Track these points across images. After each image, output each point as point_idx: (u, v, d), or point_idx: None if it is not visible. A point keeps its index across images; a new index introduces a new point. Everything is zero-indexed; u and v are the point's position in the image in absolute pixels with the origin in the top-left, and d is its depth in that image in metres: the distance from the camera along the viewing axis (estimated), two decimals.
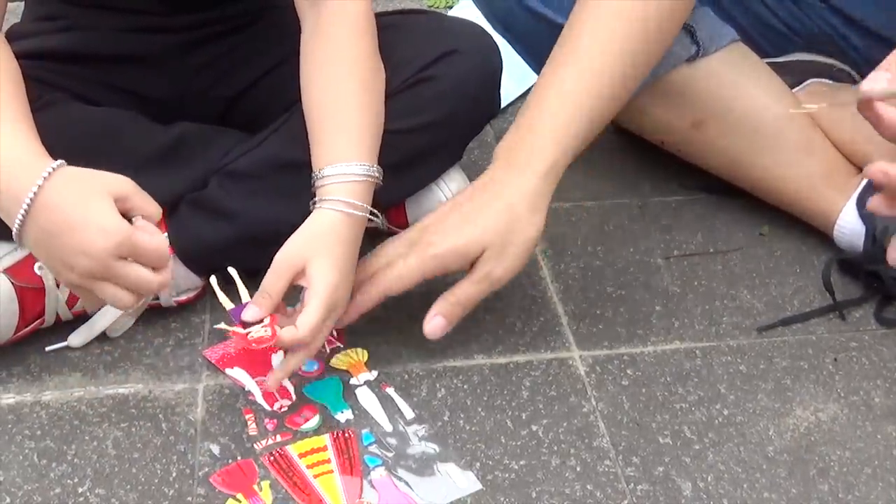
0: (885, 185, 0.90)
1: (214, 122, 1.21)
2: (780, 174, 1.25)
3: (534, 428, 1.02)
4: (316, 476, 0.96)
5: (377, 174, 1.04)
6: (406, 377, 1.07)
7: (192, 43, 1.18)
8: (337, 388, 1.05)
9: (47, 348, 1.10)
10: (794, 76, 1.34)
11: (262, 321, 0.96)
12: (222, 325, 0.98)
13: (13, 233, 0.92)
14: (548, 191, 1.06)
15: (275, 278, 0.98)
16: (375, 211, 1.04)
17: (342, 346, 1.10)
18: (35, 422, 1.02)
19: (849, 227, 1.21)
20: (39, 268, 1.07)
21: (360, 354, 1.09)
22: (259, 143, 1.14)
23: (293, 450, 0.99)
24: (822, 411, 1.05)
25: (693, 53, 1.23)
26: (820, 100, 1.29)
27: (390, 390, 1.05)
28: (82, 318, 1.11)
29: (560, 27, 1.24)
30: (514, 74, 1.47)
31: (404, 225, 1.23)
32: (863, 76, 1.34)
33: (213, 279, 1.02)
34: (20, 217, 0.90)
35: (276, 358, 1.06)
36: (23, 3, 1.23)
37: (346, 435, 1.00)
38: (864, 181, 1.21)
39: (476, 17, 1.33)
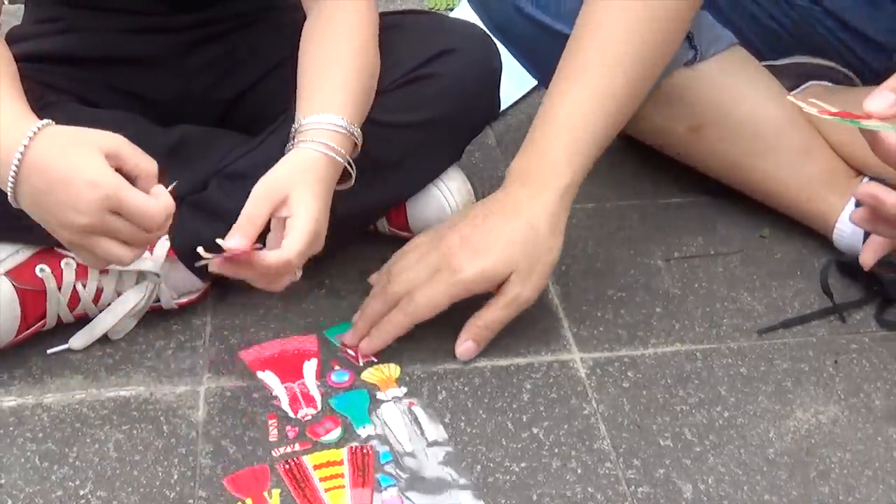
0: (873, 209, 0.91)
1: (214, 124, 1.22)
2: (780, 177, 1.26)
3: (534, 430, 1.02)
4: (327, 490, 0.95)
5: (358, 136, 1.04)
6: (407, 380, 1.08)
7: (192, 44, 1.18)
8: (363, 402, 1.04)
9: (49, 351, 1.10)
10: (792, 79, 1.35)
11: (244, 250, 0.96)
12: (200, 250, 0.96)
13: (9, 197, 0.92)
14: (565, 210, 1.08)
15: (257, 207, 0.97)
16: (352, 163, 1.04)
17: (376, 360, 1.09)
18: (36, 424, 1.02)
19: (848, 229, 1.21)
20: (41, 270, 1.07)
21: (392, 370, 1.08)
22: (258, 145, 1.15)
23: (309, 461, 0.98)
24: (822, 413, 1.05)
25: (691, 57, 1.23)
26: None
27: (417, 409, 1.04)
28: (83, 320, 1.11)
29: (557, 33, 1.24)
30: (514, 78, 1.47)
31: (404, 226, 1.23)
32: (861, 79, 1.35)
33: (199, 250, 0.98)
34: (11, 179, 0.90)
35: (309, 365, 1.07)
36: (23, 5, 1.23)
37: (364, 451, 0.99)
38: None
39: (475, 19, 1.33)
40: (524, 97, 1.58)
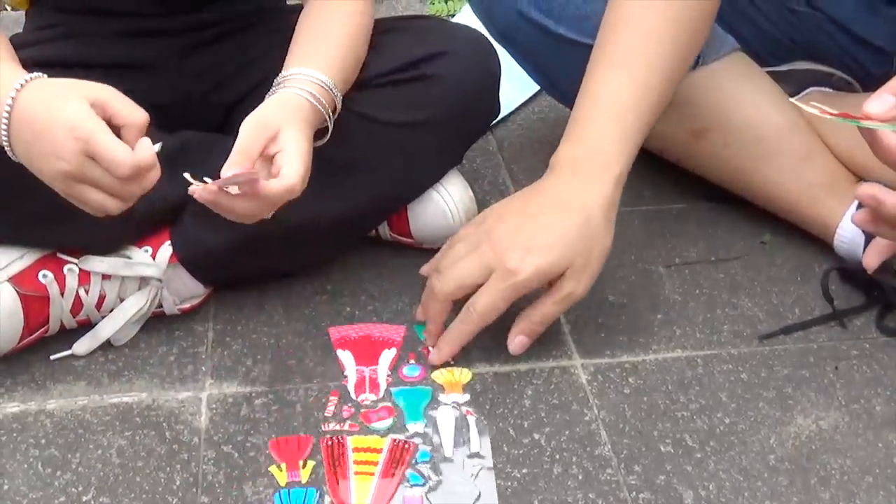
0: (873, 210, 0.91)
1: (215, 129, 1.22)
2: (781, 182, 1.26)
3: (536, 436, 1.03)
4: (357, 473, 0.97)
5: (338, 97, 1.06)
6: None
7: (191, 47, 1.18)
8: (423, 399, 1.05)
9: (52, 357, 1.10)
10: (794, 85, 1.35)
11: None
12: (187, 176, 0.95)
13: (8, 152, 0.92)
14: (617, 200, 1.06)
15: (250, 139, 0.98)
16: (330, 117, 1.05)
17: (453, 362, 1.10)
18: (39, 430, 1.02)
19: (848, 235, 1.21)
20: (44, 276, 1.08)
21: (463, 375, 1.08)
22: None
23: (351, 442, 1.00)
24: (823, 419, 1.05)
25: (693, 63, 1.23)
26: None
27: (472, 419, 1.04)
28: (86, 326, 1.11)
29: (561, 37, 1.25)
30: (515, 83, 1.47)
31: (406, 232, 1.23)
32: (861, 85, 1.35)
33: (186, 175, 0.97)
34: (4, 132, 0.91)
35: (387, 354, 1.10)
36: (24, 13, 1.24)
37: (406, 445, 1.00)
38: None
39: (478, 24, 1.34)
40: (526, 102, 1.59)
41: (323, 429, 1.02)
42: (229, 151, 1.15)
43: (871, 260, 0.98)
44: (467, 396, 1.06)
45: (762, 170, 1.26)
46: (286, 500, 0.95)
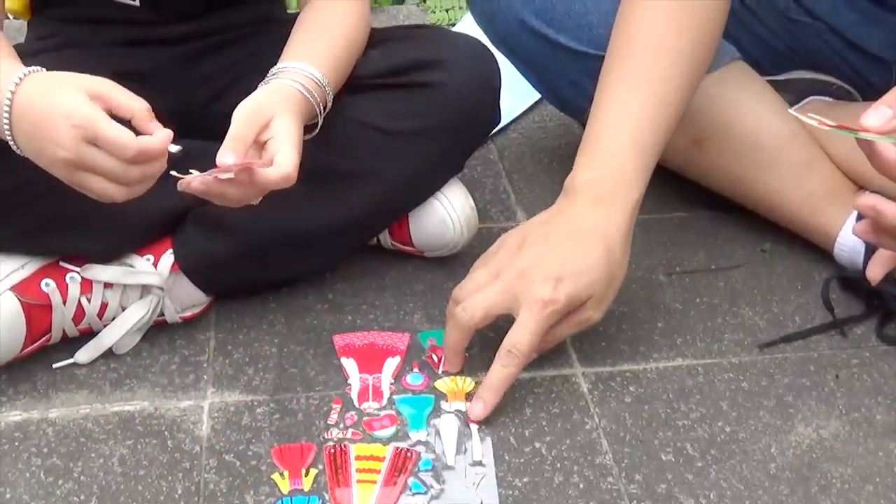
0: (873, 220, 0.91)
1: (216, 138, 1.22)
2: (781, 191, 1.26)
3: (537, 445, 1.03)
4: (359, 481, 0.97)
5: (329, 94, 1.07)
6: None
7: (191, 56, 1.18)
8: (425, 408, 1.05)
9: (54, 365, 1.10)
10: (794, 94, 1.35)
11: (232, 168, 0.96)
12: (174, 173, 0.95)
13: (12, 147, 0.93)
14: (632, 227, 1.07)
15: (244, 126, 0.98)
16: (321, 111, 1.06)
17: (455, 372, 1.10)
18: (41, 439, 1.03)
19: (849, 244, 1.21)
20: (46, 285, 1.08)
21: (466, 384, 1.08)
22: None
23: (354, 450, 1.00)
24: (823, 428, 1.05)
25: None
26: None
27: (474, 427, 1.04)
28: (89, 335, 1.11)
29: (562, 46, 1.25)
30: (516, 91, 1.48)
31: (407, 240, 1.23)
32: (861, 94, 1.36)
33: (173, 172, 0.97)
34: (6, 126, 0.92)
35: (391, 362, 1.10)
36: (26, 23, 1.24)
37: (408, 454, 1.00)
38: None
39: (479, 34, 1.34)
40: (526, 111, 1.59)
41: (326, 437, 1.02)
42: None
43: (875, 272, 0.98)
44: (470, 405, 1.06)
45: (762, 178, 1.26)
46: None
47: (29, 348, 1.09)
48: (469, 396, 1.07)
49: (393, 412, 1.05)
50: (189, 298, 1.15)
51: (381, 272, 1.24)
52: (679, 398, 1.09)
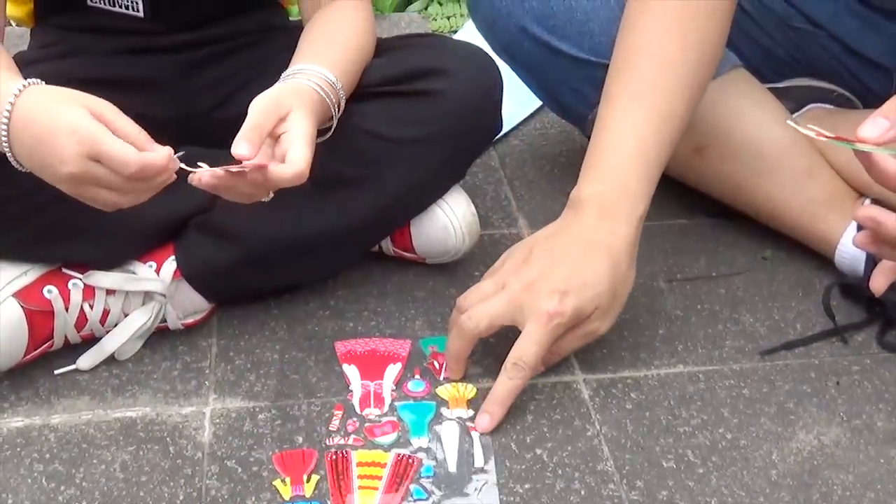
0: (873, 231, 0.91)
1: (218, 145, 1.22)
2: (782, 199, 1.26)
3: (538, 451, 1.03)
4: (360, 487, 0.97)
5: (342, 97, 1.07)
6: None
7: (193, 64, 1.19)
8: (427, 414, 1.06)
9: (56, 371, 1.10)
10: (794, 101, 1.35)
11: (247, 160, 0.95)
12: (183, 165, 0.95)
13: (11, 161, 0.93)
14: (638, 240, 1.07)
15: (262, 117, 0.97)
16: (336, 113, 1.06)
17: (458, 379, 1.10)
18: (43, 445, 1.03)
19: (850, 251, 1.21)
20: (48, 291, 1.08)
21: (467, 390, 1.09)
22: None
23: (355, 456, 1.00)
24: (824, 435, 1.05)
25: None
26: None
27: (475, 434, 1.04)
28: (91, 341, 1.12)
29: (564, 54, 1.26)
30: (517, 98, 1.48)
31: (409, 247, 1.24)
32: (862, 101, 1.36)
33: (182, 164, 0.96)
34: (5, 139, 0.92)
35: (392, 369, 1.10)
36: (29, 30, 1.24)
37: (409, 460, 1.00)
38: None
39: (480, 41, 1.34)
40: (528, 118, 1.59)
41: (327, 443, 1.02)
42: None
43: (878, 283, 0.98)
44: (471, 412, 1.06)
45: (763, 186, 1.26)
46: None
47: (31, 354, 1.09)
48: (470, 403, 1.07)
49: (394, 419, 1.05)
50: (191, 305, 1.15)
51: (383, 279, 1.25)
52: (680, 405, 1.09)
